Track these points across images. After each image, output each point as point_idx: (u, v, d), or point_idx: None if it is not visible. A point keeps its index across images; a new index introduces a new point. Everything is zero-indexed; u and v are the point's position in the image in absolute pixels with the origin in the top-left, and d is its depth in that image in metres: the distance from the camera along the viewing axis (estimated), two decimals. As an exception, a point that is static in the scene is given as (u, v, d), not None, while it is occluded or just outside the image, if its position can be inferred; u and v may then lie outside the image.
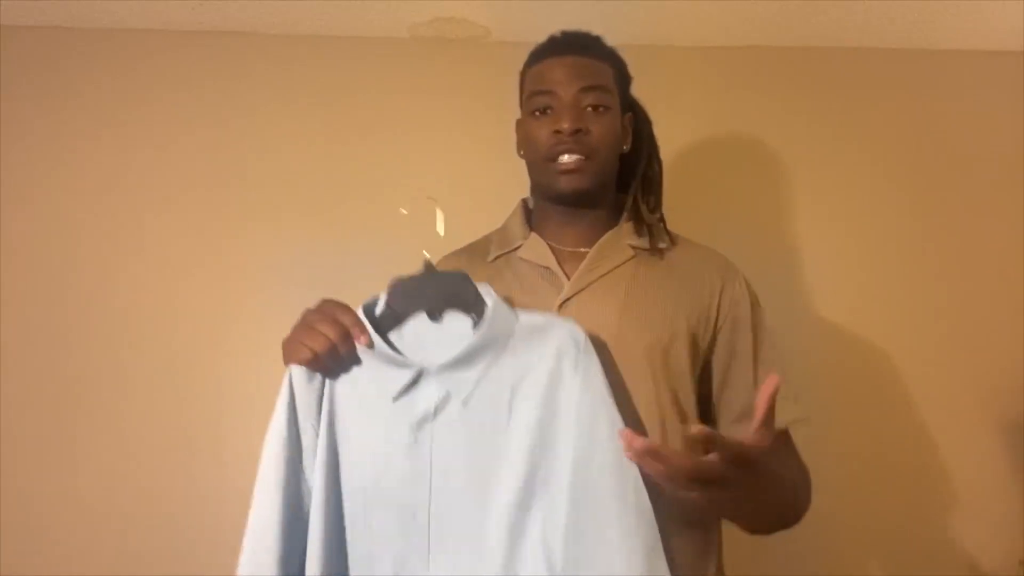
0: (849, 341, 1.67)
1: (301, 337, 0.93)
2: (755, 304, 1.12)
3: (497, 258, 1.15)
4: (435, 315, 0.98)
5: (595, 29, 1.14)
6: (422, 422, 0.94)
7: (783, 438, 1.07)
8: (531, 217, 1.19)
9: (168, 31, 1.67)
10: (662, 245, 1.12)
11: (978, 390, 1.66)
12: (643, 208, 1.13)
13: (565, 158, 1.05)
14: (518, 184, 1.21)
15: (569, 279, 1.08)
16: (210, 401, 1.60)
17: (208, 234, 1.65)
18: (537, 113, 1.09)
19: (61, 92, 1.65)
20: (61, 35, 1.65)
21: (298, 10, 1.59)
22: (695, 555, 1.02)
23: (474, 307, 0.97)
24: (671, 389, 1.03)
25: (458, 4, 1.57)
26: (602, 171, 1.09)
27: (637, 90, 1.19)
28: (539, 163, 1.09)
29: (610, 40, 1.14)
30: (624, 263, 1.09)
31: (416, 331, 0.98)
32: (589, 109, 1.07)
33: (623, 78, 1.14)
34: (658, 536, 0.87)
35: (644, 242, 1.11)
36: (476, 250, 1.19)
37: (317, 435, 0.94)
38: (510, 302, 0.99)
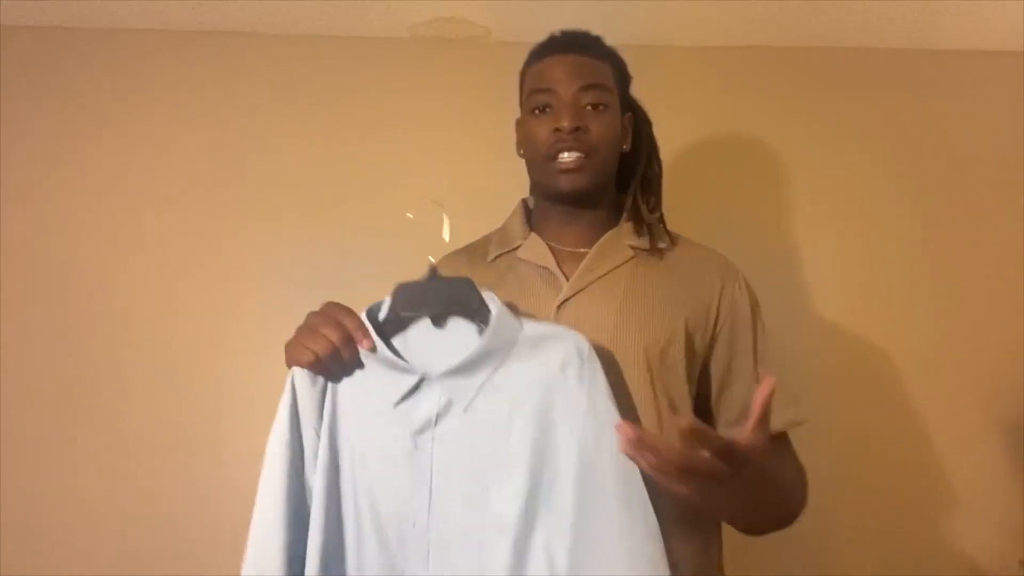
0: (849, 341, 1.67)
1: (304, 339, 0.93)
2: (755, 305, 1.12)
3: (497, 258, 1.15)
4: (439, 321, 0.98)
5: (595, 29, 1.14)
6: (423, 428, 0.93)
7: (781, 440, 1.07)
8: (531, 217, 1.18)
9: (168, 31, 1.67)
10: (662, 245, 1.12)
11: (978, 390, 1.66)
12: (643, 208, 1.13)
13: (565, 156, 1.05)
14: (518, 184, 1.21)
15: (568, 279, 1.07)
16: (210, 401, 1.60)
17: (208, 234, 1.65)
18: (536, 111, 1.09)
19: (61, 92, 1.65)
20: (61, 35, 1.65)
21: (298, 10, 1.59)
22: (695, 556, 1.02)
23: (478, 314, 0.96)
24: (669, 389, 1.03)
25: (458, 4, 1.57)
26: (602, 170, 1.09)
27: (637, 90, 1.19)
28: (539, 162, 1.09)
29: (610, 40, 1.14)
30: (624, 263, 1.09)
31: (420, 337, 0.97)
32: (589, 107, 1.07)
33: (623, 77, 1.14)
34: (664, 550, 0.87)
35: (644, 242, 1.10)
36: (476, 250, 1.19)
37: (319, 438, 0.94)
38: (514, 309, 0.98)
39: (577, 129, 1.04)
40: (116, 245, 1.63)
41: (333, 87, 1.70)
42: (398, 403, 0.94)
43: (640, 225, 1.12)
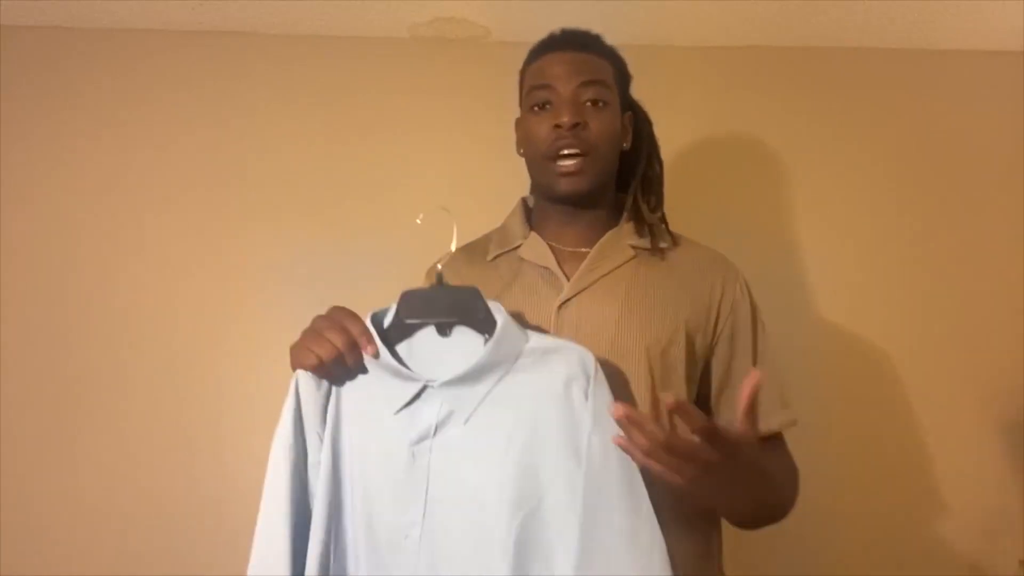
0: (849, 341, 1.67)
1: (308, 343, 0.93)
2: (755, 306, 1.12)
3: (497, 257, 1.15)
4: (445, 330, 0.97)
5: (595, 29, 1.14)
6: (421, 438, 0.92)
7: (775, 440, 1.08)
8: (531, 216, 1.18)
9: (168, 31, 1.67)
10: (663, 245, 1.12)
11: (978, 390, 1.66)
12: (644, 208, 1.13)
13: (565, 153, 1.05)
14: (518, 184, 1.21)
15: (569, 279, 1.07)
16: (210, 401, 1.60)
17: (208, 234, 1.65)
18: (536, 108, 1.08)
19: (61, 92, 1.65)
20: (61, 35, 1.65)
21: (298, 10, 1.59)
22: (695, 556, 1.02)
23: (484, 324, 0.95)
24: (670, 389, 1.02)
25: (458, 4, 1.57)
26: (602, 169, 1.09)
27: (637, 90, 1.19)
28: (539, 161, 1.09)
29: (610, 40, 1.14)
30: (625, 263, 1.09)
31: (425, 345, 0.97)
32: (588, 104, 1.06)
33: (623, 76, 1.14)
34: (669, 564, 0.87)
35: (645, 242, 1.10)
36: (476, 249, 1.19)
37: (322, 442, 0.93)
38: (520, 319, 0.97)
39: (577, 125, 1.04)
40: (116, 245, 1.63)
41: (333, 87, 1.70)
42: (399, 411, 0.93)
43: (641, 225, 1.12)
